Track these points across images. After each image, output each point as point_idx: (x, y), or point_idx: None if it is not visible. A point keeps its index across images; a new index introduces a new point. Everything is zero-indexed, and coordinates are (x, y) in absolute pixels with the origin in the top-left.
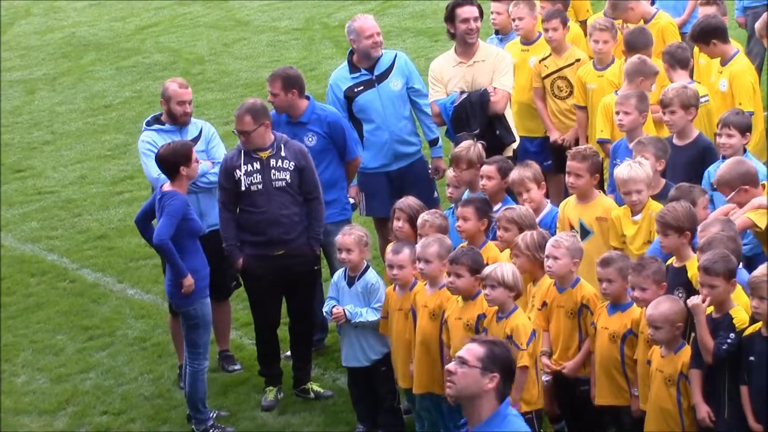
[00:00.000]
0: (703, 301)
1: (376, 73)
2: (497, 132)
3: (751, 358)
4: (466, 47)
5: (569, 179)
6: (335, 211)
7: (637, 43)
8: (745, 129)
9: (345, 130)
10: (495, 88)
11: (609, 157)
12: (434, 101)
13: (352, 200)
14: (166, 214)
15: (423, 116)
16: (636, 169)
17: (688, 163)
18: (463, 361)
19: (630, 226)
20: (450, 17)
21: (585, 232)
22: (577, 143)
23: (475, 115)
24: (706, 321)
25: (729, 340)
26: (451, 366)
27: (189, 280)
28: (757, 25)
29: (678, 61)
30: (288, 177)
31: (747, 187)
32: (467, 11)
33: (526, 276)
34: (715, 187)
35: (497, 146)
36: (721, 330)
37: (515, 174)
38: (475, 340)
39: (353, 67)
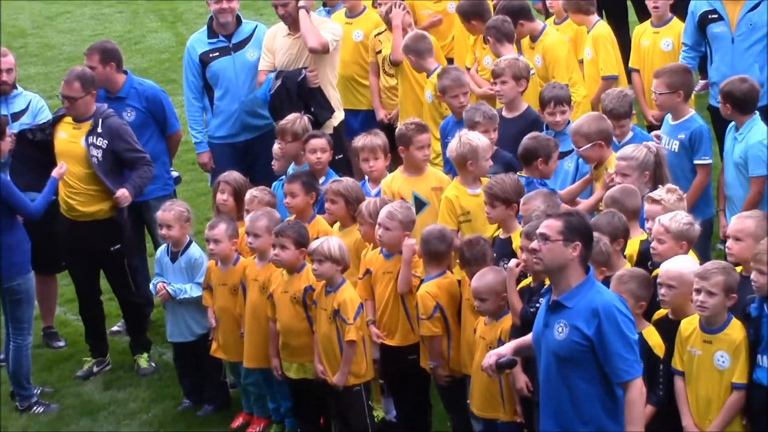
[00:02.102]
0: (517, 266)
1: (233, 41)
2: (312, 110)
3: None
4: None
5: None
6: (157, 186)
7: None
8: (569, 101)
9: (164, 104)
10: (311, 69)
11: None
12: (261, 70)
13: (175, 173)
14: None
15: None
16: (475, 140)
17: (517, 135)
18: (545, 237)
19: (468, 198)
20: None
21: (420, 204)
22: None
23: (291, 101)
24: (515, 283)
25: (538, 305)
26: (534, 244)
27: None
28: None
29: (504, 34)
30: (99, 155)
31: (602, 143)
32: None
33: (368, 245)
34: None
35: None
36: (536, 294)
37: (365, 140)
38: (551, 215)
39: (212, 33)
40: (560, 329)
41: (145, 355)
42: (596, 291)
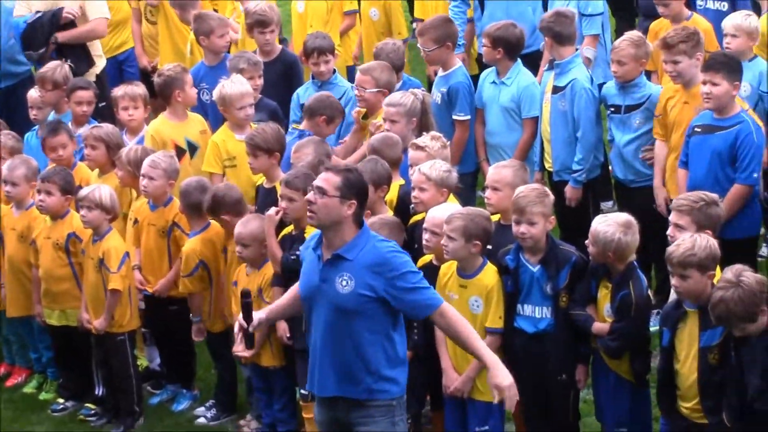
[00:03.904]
0: (277, 214)
1: None
2: (68, 61)
3: None
4: None
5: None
6: None
7: None
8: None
9: None
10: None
11: None
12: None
13: None
14: None
15: None
16: (238, 85)
17: (276, 79)
18: (322, 191)
19: (236, 143)
20: None
21: (193, 148)
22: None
23: (44, 35)
24: (275, 231)
25: (298, 252)
26: (310, 196)
27: None
28: None
29: None
30: None
31: (386, 91)
32: None
33: (126, 189)
34: None
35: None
36: (297, 242)
37: (125, 89)
38: (330, 169)
39: None
40: (344, 282)
41: None
42: (375, 240)
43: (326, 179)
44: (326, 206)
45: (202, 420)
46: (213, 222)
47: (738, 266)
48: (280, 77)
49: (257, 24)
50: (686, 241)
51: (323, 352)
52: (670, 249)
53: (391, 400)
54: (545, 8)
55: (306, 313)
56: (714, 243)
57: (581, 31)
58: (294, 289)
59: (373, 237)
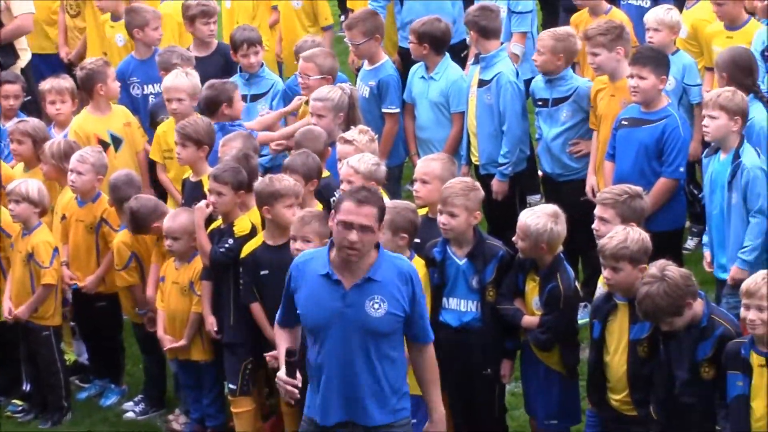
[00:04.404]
0: (207, 207)
1: None
2: None
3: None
4: None
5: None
6: None
7: None
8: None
9: None
10: None
11: None
12: None
13: None
14: None
15: None
16: (180, 77)
17: (219, 71)
18: (367, 229)
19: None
20: None
21: (117, 141)
22: (82, 59)
23: None
24: (204, 224)
25: (227, 245)
26: (353, 236)
27: None
28: None
29: None
30: None
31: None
32: None
33: (53, 184)
34: None
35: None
36: (226, 235)
37: (53, 83)
38: (362, 201)
39: None
40: (375, 305)
41: None
42: (392, 256)
43: (367, 215)
44: (370, 241)
45: (130, 415)
46: None
47: (662, 261)
48: (221, 70)
49: (201, 15)
50: (619, 233)
51: (343, 379)
52: (603, 241)
53: (408, 418)
54: (466, 2)
55: (314, 341)
56: (646, 237)
57: (510, 28)
58: (285, 327)
59: (386, 252)
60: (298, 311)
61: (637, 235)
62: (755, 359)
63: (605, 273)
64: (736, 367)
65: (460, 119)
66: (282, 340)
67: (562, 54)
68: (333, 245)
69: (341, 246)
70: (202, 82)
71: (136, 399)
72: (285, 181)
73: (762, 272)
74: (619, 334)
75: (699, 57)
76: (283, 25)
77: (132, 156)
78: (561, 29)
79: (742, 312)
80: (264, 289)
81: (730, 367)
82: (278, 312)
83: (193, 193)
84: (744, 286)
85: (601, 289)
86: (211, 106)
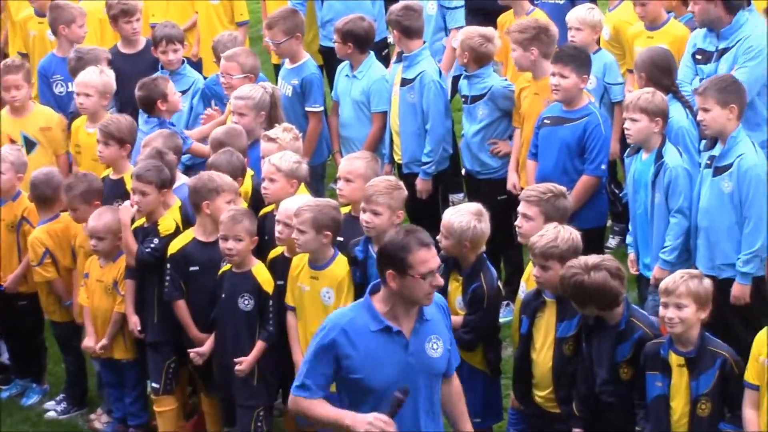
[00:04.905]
0: (132, 206)
1: None
2: None
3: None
4: None
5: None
6: None
7: None
8: (182, 40)
9: None
10: None
11: None
12: None
13: None
14: None
15: None
16: (92, 74)
17: (148, 68)
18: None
19: (83, 133)
20: None
21: (31, 144)
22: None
23: None
24: (130, 224)
25: (153, 245)
26: (426, 287)
27: None
28: None
29: None
30: None
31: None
32: None
33: None
34: None
35: None
36: (151, 235)
37: None
38: (426, 244)
39: None
40: (434, 346)
41: None
42: None
43: (435, 254)
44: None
45: (52, 414)
46: (63, 214)
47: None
48: (149, 67)
49: (122, 14)
50: (549, 232)
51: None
52: (533, 239)
53: None
54: (387, 0)
55: (376, 402)
56: (577, 236)
57: (446, 24)
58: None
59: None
60: (352, 376)
61: (567, 234)
62: (674, 359)
63: (534, 271)
64: (655, 368)
65: (379, 119)
66: (332, 409)
67: (467, 52)
68: (376, 296)
69: (427, 295)
70: (135, 79)
71: (57, 398)
72: (225, 176)
73: (680, 271)
74: (545, 331)
75: (622, 60)
76: (201, 21)
77: (50, 159)
78: (482, 29)
79: (661, 310)
80: (192, 284)
81: (649, 367)
82: (307, 386)
83: (113, 191)
84: (662, 284)
85: (524, 287)
86: (146, 105)
